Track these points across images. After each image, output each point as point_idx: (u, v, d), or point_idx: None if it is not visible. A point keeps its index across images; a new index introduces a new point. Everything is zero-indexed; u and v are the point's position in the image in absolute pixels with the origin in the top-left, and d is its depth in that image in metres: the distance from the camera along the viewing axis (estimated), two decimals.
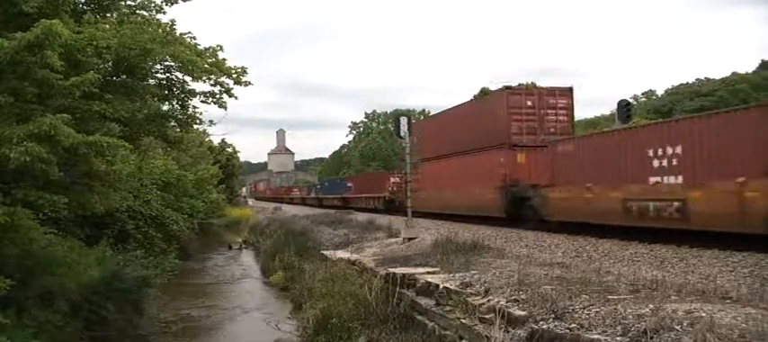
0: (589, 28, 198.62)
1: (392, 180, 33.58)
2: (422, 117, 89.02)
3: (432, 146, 24.85)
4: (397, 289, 9.28)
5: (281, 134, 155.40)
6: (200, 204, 27.86)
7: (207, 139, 37.82)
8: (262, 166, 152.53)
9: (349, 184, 46.90)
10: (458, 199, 21.47)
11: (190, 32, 12.02)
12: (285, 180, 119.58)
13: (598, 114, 68.62)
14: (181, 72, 12.06)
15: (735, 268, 8.38)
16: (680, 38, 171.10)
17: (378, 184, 36.61)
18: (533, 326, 5.63)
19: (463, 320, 7.02)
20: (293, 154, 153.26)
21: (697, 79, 74.29)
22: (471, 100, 21.67)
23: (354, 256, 13.00)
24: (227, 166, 48.55)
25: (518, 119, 18.68)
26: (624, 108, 19.07)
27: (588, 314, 5.46)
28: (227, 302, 17.94)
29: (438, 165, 23.96)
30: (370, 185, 39.40)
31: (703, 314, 4.93)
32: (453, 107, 24.43)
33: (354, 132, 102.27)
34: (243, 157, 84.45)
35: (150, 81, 12.15)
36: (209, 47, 12.19)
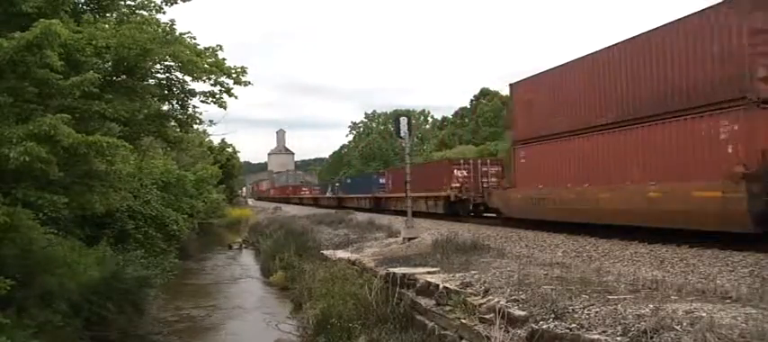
0: (590, 28, 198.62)
1: (458, 173, 25.47)
2: (422, 117, 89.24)
3: (541, 119, 16.10)
4: (397, 289, 9.26)
5: (281, 134, 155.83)
6: (200, 204, 27.98)
7: (207, 140, 37.90)
8: (262, 166, 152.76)
9: (382, 181, 37.48)
10: (613, 201, 13.06)
11: (189, 32, 12.04)
12: (292, 178, 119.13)
13: None
14: (181, 72, 12.05)
15: (735, 268, 8.37)
16: None
17: (435, 179, 26.72)
18: (533, 326, 5.63)
19: (463, 320, 7.01)
20: (293, 154, 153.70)
21: None
22: (651, 30, 12.32)
23: (354, 256, 12.98)
24: (226, 166, 48.66)
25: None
26: None
27: (588, 314, 5.45)
28: (227, 302, 17.96)
29: (560, 146, 15.20)
30: (422, 181, 26.84)
31: (703, 314, 4.92)
32: (595, 52, 14.11)
33: (354, 132, 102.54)
34: (243, 157, 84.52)
35: (150, 81, 12.15)
36: (209, 47, 12.20)
